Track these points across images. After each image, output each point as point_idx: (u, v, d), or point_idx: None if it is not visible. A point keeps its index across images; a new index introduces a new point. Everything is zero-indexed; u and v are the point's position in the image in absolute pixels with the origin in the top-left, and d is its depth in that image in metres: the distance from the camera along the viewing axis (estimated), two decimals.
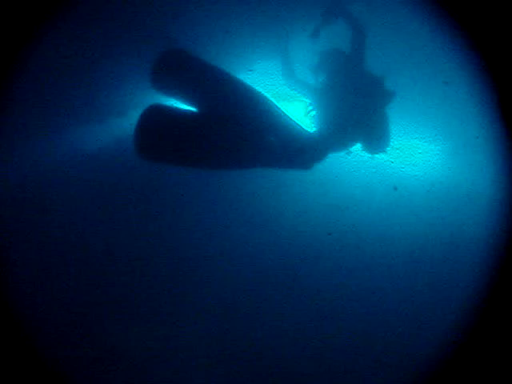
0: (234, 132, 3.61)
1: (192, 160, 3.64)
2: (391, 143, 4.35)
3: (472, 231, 5.99)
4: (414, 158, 7.08)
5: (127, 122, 5.33)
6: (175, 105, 3.72)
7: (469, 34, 4.76)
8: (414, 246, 5.77)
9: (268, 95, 4.40)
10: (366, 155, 4.41)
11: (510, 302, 4.56)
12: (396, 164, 5.58)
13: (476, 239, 5.86)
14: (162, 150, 3.54)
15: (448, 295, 5.20)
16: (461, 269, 5.57)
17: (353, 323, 4.86)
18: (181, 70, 3.62)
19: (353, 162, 5.01)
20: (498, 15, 4.15)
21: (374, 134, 4.20)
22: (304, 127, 4.13)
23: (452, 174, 7.28)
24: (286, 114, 3.96)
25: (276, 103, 3.93)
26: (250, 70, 4.77)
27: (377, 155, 4.34)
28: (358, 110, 4.14)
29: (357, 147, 4.32)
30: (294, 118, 4.12)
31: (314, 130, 4.30)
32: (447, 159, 7.47)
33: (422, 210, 6.06)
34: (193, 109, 3.66)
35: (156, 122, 3.45)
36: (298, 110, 5.18)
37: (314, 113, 4.37)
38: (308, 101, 4.48)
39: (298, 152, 3.92)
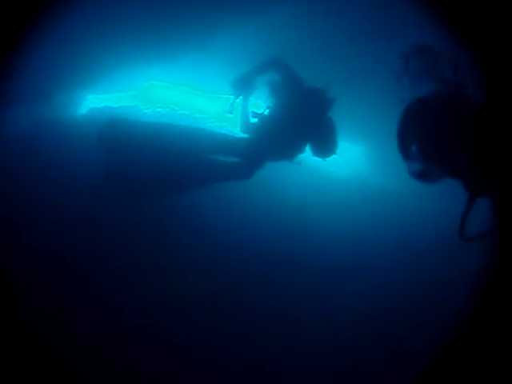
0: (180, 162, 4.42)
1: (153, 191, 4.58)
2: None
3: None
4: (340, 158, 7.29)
5: (48, 109, 5.00)
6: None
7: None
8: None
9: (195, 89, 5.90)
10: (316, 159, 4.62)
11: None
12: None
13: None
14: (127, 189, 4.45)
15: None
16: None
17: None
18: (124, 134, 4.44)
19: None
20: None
21: (321, 140, 4.43)
22: (239, 136, 4.57)
23: (375, 171, 7.64)
24: (220, 133, 4.71)
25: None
26: None
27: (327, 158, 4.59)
28: (294, 117, 4.27)
29: (307, 153, 4.58)
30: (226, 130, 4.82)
31: (249, 136, 4.53)
32: (370, 158, 7.83)
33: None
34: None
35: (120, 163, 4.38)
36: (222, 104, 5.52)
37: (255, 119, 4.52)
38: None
39: (239, 161, 4.47)
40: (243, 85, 4.45)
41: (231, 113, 4.52)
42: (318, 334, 4.49)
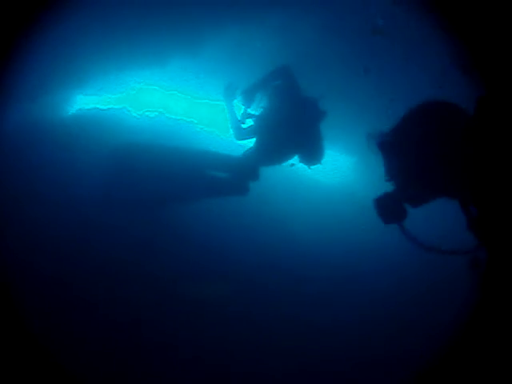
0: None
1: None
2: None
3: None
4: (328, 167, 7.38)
5: (36, 109, 4.98)
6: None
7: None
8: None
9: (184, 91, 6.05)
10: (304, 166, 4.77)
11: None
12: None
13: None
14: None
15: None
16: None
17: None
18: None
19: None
20: None
21: (309, 148, 4.59)
22: (235, 155, 4.80)
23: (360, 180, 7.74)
24: (217, 152, 5.00)
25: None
26: None
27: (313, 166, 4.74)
28: (289, 125, 4.37)
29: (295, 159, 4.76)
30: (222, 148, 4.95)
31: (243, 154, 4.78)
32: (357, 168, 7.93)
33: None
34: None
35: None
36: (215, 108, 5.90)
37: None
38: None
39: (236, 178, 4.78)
40: (251, 94, 4.57)
41: (243, 122, 4.66)
42: (315, 339, 4.56)
